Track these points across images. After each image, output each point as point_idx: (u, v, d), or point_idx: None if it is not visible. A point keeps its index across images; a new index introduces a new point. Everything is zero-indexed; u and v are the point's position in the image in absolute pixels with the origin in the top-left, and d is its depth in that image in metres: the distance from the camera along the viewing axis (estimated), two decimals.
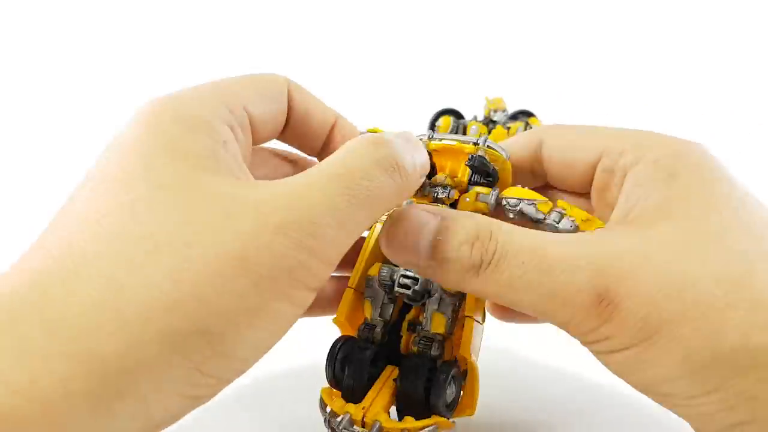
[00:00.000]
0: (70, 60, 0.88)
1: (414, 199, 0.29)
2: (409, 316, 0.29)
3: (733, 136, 0.71)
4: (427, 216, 0.24)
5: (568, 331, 0.23)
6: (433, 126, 0.48)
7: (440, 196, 0.28)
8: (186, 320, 0.19)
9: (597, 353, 0.23)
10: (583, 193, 0.29)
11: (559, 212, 0.27)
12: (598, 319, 0.22)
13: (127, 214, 0.21)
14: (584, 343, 0.23)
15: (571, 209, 0.27)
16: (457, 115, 0.48)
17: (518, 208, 0.28)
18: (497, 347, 0.35)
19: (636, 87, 0.83)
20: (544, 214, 0.27)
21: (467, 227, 0.23)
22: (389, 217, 0.25)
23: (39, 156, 0.70)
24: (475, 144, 0.28)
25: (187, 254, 0.20)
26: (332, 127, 0.30)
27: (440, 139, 0.29)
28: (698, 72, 0.85)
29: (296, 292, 0.21)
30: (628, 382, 0.23)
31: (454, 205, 0.29)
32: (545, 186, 0.31)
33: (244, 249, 0.20)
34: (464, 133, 0.48)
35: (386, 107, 0.79)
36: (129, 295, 0.19)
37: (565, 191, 0.30)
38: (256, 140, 0.27)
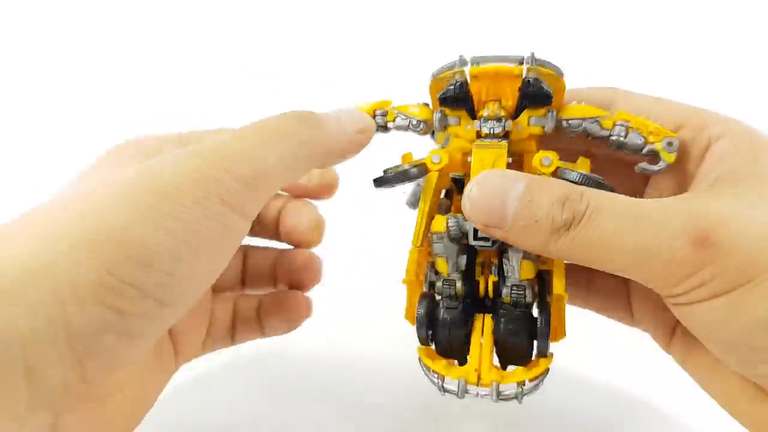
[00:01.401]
0: (62, 66, 0.88)
1: (465, 141, 0.28)
2: (479, 259, 0.28)
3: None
4: (514, 177, 0.24)
5: (657, 286, 0.23)
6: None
7: (496, 131, 0.27)
8: (95, 224, 0.20)
9: (690, 304, 0.23)
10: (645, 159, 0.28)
11: (623, 125, 0.26)
12: (697, 262, 0.21)
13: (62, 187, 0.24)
14: (677, 295, 0.23)
15: (635, 120, 0.26)
16: None
17: (582, 127, 0.27)
18: None
19: (637, 86, 0.83)
20: (608, 130, 0.26)
21: (556, 188, 0.23)
22: (472, 181, 0.24)
23: (35, 160, 0.70)
24: (521, 63, 0.26)
25: (104, 183, 0.22)
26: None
27: (478, 63, 0.27)
28: (698, 72, 0.85)
29: (215, 207, 0.22)
30: (714, 339, 0.23)
31: (507, 135, 0.27)
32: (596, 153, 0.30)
33: (153, 167, 0.22)
34: None
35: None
36: (48, 215, 0.21)
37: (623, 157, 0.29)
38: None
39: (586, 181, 0.25)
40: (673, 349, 0.28)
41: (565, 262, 0.27)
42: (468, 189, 0.24)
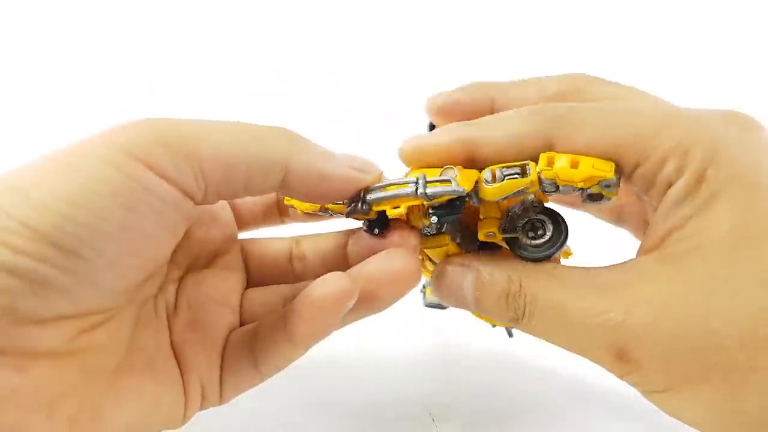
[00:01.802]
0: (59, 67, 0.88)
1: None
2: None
3: None
4: (464, 268, 0.27)
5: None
6: (433, 126, 0.48)
7: (431, 232, 0.29)
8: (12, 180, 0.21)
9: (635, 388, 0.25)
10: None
11: (550, 183, 0.25)
12: (621, 370, 0.23)
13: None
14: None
15: (562, 173, 0.24)
16: None
17: (515, 210, 0.27)
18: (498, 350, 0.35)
19: (636, 86, 0.83)
20: (538, 198, 0.27)
21: (500, 282, 0.26)
22: (433, 273, 0.28)
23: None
24: (417, 192, 0.25)
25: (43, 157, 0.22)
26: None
27: (376, 203, 0.26)
28: (698, 71, 0.85)
29: (112, 154, 0.21)
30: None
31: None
32: None
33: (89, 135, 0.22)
34: None
35: (386, 107, 0.79)
36: None
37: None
38: None
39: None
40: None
41: None
42: (432, 279, 0.28)
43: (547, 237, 0.27)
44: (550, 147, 0.25)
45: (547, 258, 0.27)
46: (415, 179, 0.25)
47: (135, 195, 0.22)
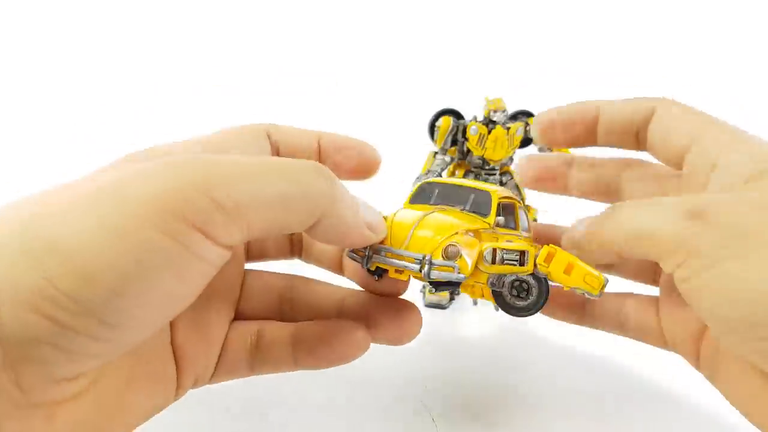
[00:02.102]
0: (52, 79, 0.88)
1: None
2: None
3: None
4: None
5: (661, 261, 0.25)
6: (432, 126, 0.48)
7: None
8: (39, 229, 0.19)
9: (687, 281, 0.24)
10: (671, 165, 0.32)
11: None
12: (687, 233, 0.24)
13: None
14: (677, 266, 0.24)
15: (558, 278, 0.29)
16: (456, 115, 0.48)
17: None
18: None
19: (636, 86, 0.83)
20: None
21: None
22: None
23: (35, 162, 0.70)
24: (422, 272, 0.27)
25: (67, 189, 0.21)
26: (319, 145, 0.31)
27: (380, 262, 0.28)
28: (698, 71, 0.85)
29: (169, 221, 0.20)
30: (715, 317, 0.24)
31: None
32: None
33: (123, 178, 0.21)
34: (464, 134, 0.48)
35: (386, 108, 0.79)
36: (7, 214, 0.21)
37: (656, 159, 0.33)
38: None
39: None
40: (702, 366, 0.29)
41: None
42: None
43: (531, 299, 0.29)
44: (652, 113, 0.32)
45: (525, 316, 0.30)
46: (421, 257, 0.27)
47: (188, 264, 0.21)
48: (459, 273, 0.26)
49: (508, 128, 0.47)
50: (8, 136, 0.76)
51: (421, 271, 0.26)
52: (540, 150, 0.49)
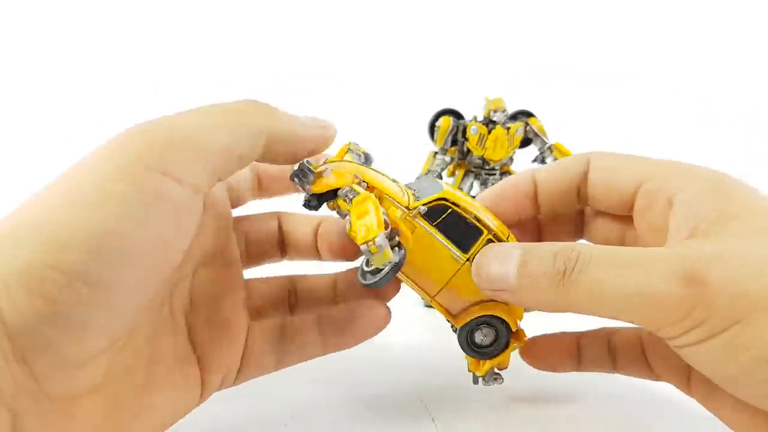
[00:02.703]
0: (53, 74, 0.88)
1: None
2: None
3: (730, 134, 0.71)
4: (512, 246, 0.27)
5: (658, 331, 0.24)
6: (432, 126, 0.48)
7: None
8: (19, 214, 0.21)
9: (689, 347, 0.23)
10: (622, 215, 0.31)
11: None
12: (689, 302, 0.22)
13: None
14: (675, 338, 0.23)
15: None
16: (456, 115, 0.48)
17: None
18: None
19: (636, 86, 0.83)
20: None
21: (548, 247, 0.26)
22: (479, 254, 0.28)
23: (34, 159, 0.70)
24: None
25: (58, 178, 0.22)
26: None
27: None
28: (697, 71, 0.85)
29: (130, 169, 0.21)
30: (720, 377, 0.24)
31: None
32: (581, 211, 0.33)
33: (92, 153, 0.22)
34: (464, 134, 0.48)
35: (386, 108, 0.80)
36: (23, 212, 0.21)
37: (606, 213, 0.32)
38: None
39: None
40: (694, 393, 0.29)
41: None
42: (475, 260, 0.28)
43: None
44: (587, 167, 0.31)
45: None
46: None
47: (156, 207, 0.21)
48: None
49: (508, 128, 0.47)
50: (8, 136, 0.76)
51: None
52: (540, 151, 0.49)
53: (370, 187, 0.29)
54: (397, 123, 0.34)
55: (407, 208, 0.28)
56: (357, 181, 0.28)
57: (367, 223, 0.26)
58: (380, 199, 0.28)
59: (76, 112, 0.81)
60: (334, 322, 0.32)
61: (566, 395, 0.35)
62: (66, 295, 0.20)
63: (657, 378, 0.31)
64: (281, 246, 0.34)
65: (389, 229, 0.27)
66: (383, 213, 0.27)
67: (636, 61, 0.86)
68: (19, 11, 0.91)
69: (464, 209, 0.29)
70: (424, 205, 0.28)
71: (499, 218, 0.31)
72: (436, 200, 0.29)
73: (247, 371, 0.31)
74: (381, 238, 0.25)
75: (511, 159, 0.49)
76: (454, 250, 0.28)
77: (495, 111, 0.48)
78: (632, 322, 0.24)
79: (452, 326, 0.32)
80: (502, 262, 0.26)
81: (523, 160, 0.50)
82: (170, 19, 0.93)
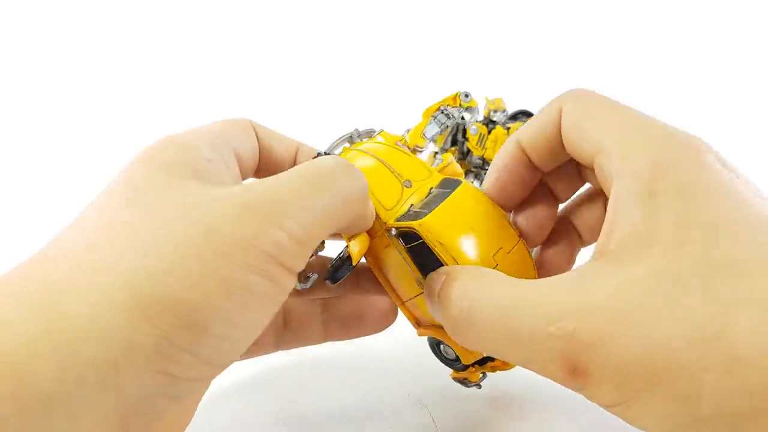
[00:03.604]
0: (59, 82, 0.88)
1: None
2: None
3: (732, 133, 0.71)
4: (437, 275, 0.27)
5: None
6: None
7: None
8: (152, 287, 0.19)
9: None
10: (587, 174, 0.30)
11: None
12: (576, 384, 0.22)
13: (108, 216, 0.22)
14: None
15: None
16: None
17: None
18: None
19: (636, 86, 0.83)
20: None
21: (435, 279, 0.26)
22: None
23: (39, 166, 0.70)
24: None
25: (158, 233, 0.21)
26: (296, 155, 0.32)
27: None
28: (698, 71, 0.85)
29: (271, 267, 0.21)
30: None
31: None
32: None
33: (211, 223, 0.21)
34: (464, 135, 0.48)
35: (386, 108, 0.79)
36: (100, 267, 0.20)
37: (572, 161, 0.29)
38: (243, 174, 0.29)
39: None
40: None
41: None
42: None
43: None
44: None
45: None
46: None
47: (279, 299, 0.22)
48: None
49: (508, 128, 0.47)
50: (8, 136, 0.76)
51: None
52: None
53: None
54: (397, 123, 0.34)
55: (384, 223, 0.28)
56: None
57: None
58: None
59: (75, 112, 0.81)
60: (339, 315, 0.32)
61: (566, 395, 0.35)
62: (189, 374, 0.20)
63: None
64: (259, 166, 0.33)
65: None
66: None
67: (636, 61, 0.86)
68: (19, 11, 0.91)
69: (434, 243, 0.27)
70: (396, 228, 0.28)
71: (515, 202, 0.30)
72: (407, 228, 0.27)
73: (247, 351, 0.31)
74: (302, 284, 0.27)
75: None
76: (419, 277, 0.28)
77: (495, 111, 0.48)
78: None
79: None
80: (427, 296, 0.27)
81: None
82: (169, 18, 0.93)
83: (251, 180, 0.31)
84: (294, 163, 0.31)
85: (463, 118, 0.48)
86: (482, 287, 0.25)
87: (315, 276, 0.28)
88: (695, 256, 0.21)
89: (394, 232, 0.28)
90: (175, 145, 0.25)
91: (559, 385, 0.23)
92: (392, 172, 0.30)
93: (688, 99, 0.78)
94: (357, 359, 0.36)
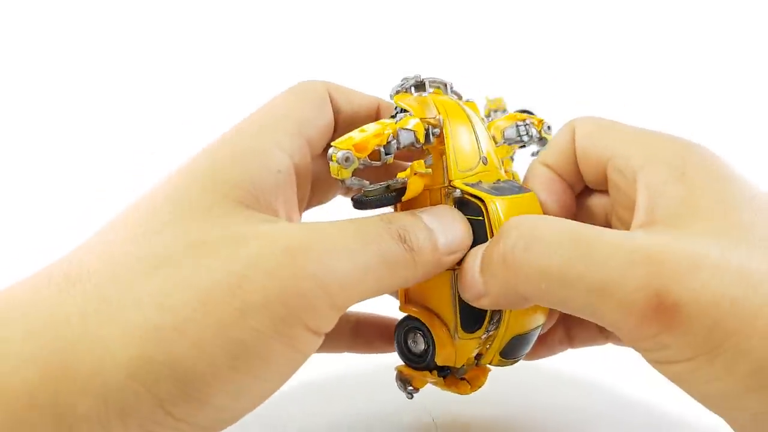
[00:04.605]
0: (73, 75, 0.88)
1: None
2: None
3: (733, 135, 0.71)
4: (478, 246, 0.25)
5: (617, 333, 0.21)
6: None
7: None
8: (157, 350, 0.18)
9: (652, 362, 0.21)
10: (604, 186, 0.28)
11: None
12: (656, 325, 0.19)
13: (133, 237, 0.20)
14: (637, 349, 0.21)
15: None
16: None
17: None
18: None
19: (636, 86, 0.83)
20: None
21: (512, 220, 0.24)
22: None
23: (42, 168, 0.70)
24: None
25: (180, 276, 0.19)
26: (377, 113, 0.30)
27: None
28: (699, 71, 0.85)
29: (295, 331, 0.19)
30: (684, 390, 0.21)
31: None
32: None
33: (240, 271, 0.19)
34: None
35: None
36: (112, 312, 0.18)
37: (600, 191, 0.29)
38: (313, 154, 0.27)
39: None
40: None
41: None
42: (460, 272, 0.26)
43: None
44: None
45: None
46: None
47: (296, 364, 0.21)
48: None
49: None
50: (8, 136, 0.76)
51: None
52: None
53: (440, 137, 0.27)
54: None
55: (449, 180, 0.26)
56: (433, 122, 0.27)
57: (353, 134, 0.24)
58: (441, 154, 0.27)
59: (73, 108, 0.81)
60: (368, 334, 0.32)
61: (567, 394, 0.35)
62: None
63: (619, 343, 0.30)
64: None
65: (363, 158, 0.24)
66: (382, 147, 0.25)
67: (636, 61, 0.86)
68: (20, 11, 0.91)
69: (495, 225, 0.25)
70: (462, 192, 0.26)
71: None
72: (476, 197, 0.26)
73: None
74: (345, 154, 0.23)
75: (512, 159, 0.49)
76: None
77: (495, 111, 0.48)
78: (594, 321, 0.22)
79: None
80: (471, 264, 0.24)
81: (524, 160, 0.50)
82: (166, 19, 0.93)
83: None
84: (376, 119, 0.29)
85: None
86: (545, 217, 0.24)
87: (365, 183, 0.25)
88: (745, 224, 0.21)
89: (458, 193, 0.26)
90: (241, 153, 0.22)
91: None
92: (477, 141, 0.28)
93: (687, 99, 0.78)
94: (357, 359, 0.36)
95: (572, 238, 0.21)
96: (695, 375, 0.20)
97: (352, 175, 0.24)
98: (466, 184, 0.26)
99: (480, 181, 0.27)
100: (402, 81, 0.29)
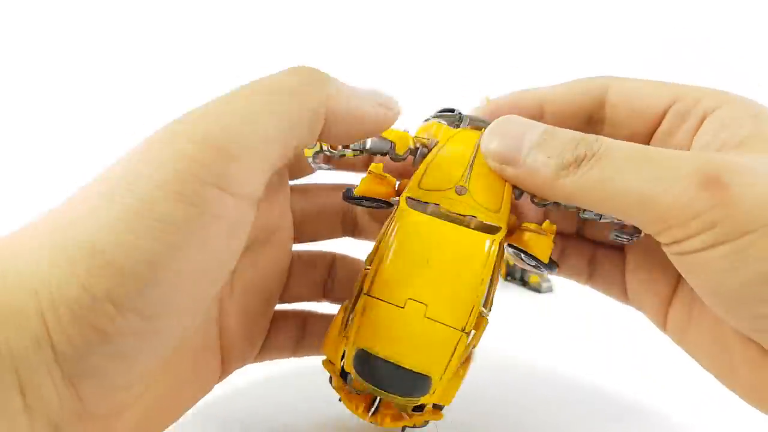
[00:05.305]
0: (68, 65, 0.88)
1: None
2: None
3: None
4: (533, 122, 0.25)
5: (659, 231, 0.22)
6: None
7: None
8: (70, 232, 0.19)
9: (692, 253, 0.22)
10: (639, 139, 0.28)
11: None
12: (703, 203, 0.21)
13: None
14: (679, 241, 0.22)
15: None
16: None
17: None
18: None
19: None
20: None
21: (571, 133, 0.24)
22: (496, 121, 0.26)
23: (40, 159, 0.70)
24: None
25: (115, 183, 0.19)
26: None
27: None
28: (700, 70, 0.85)
29: (185, 187, 0.19)
30: (717, 292, 0.22)
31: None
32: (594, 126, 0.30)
33: (135, 161, 0.19)
34: None
35: None
36: (44, 221, 0.20)
37: (618, 137, 0.28)
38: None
39: None
40: (670, 326, 0.28)
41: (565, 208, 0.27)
42: (491, 125, 0.26)
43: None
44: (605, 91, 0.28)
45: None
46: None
47: (215, 229, 0.19)
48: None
49: None
50: (8, 135, 0.76)
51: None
52: None
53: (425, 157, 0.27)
54: (396, 123, 0.34)
55: (397, 193, 0.26)
56: (425, 141, 0.28)
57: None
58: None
59: (71, 100, 0.81)
60: (318, 333, 0.31)
61: (567, 395, 0.35)
62: (118, 327, 0.18)
63: (628, 302, 0.30)
64: (345, 221, 0.32)
65: (326, 146, 0.26)
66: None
67: (637, 60, 0.86)
68: (19, 11, 0.91)
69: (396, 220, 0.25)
70: (398, 199, 0.26)
71: None
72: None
73: (263, 358, 0.31)
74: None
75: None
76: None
77: None
78: (636, 222, 0.23)
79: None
80: (518, 134, 0.25)
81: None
82: (166, 19, 0.93)
83: None
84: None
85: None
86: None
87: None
88: None
89: (395, 201, 0.26)
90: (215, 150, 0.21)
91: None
92: (465, 171, 0.27)
93: None
94: None
95: (636, 153, 0.23)
96: (738, 258, 0.21)
97: (315, 159, 0.26)
98: (409, 197, 0.25)
99: (437, 204, 0.25)
100: (441, 112, 0.30)
